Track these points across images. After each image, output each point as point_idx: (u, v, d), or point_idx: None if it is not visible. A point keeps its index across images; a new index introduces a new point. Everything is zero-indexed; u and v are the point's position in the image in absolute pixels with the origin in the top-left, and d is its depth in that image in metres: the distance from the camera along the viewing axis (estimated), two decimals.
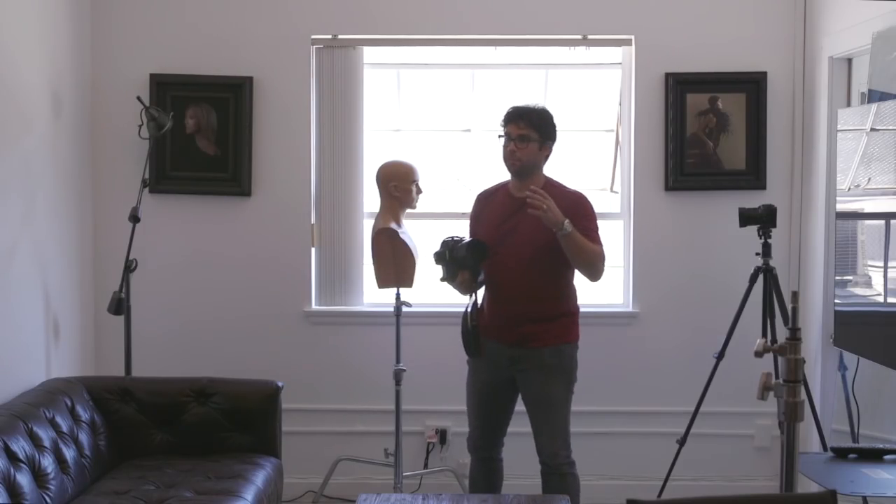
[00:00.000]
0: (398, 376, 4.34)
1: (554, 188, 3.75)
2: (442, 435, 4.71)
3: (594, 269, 3.72)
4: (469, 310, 3.79)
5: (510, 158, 3.73)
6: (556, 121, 3.82)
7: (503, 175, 3.89)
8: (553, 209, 3.54)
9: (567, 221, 3.56)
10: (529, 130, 3.71)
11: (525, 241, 3.67)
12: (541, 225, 3.57)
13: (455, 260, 3.73)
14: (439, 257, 3.79)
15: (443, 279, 3.82)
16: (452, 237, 3.79)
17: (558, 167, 4.85)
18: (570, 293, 3.82)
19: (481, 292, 3.85)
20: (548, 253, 3.64)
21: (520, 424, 3.85)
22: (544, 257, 3.67)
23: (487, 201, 3.88)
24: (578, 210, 3.71)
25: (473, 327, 3.77)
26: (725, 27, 4.62)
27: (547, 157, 3.80)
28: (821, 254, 4.33)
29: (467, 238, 3.80)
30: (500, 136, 3.77)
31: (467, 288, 3.79)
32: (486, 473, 3.90)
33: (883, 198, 3.59)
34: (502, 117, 3.78)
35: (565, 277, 3.78)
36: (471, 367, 3.88)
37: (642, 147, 4.67)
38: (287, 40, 4.64)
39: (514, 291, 3.71)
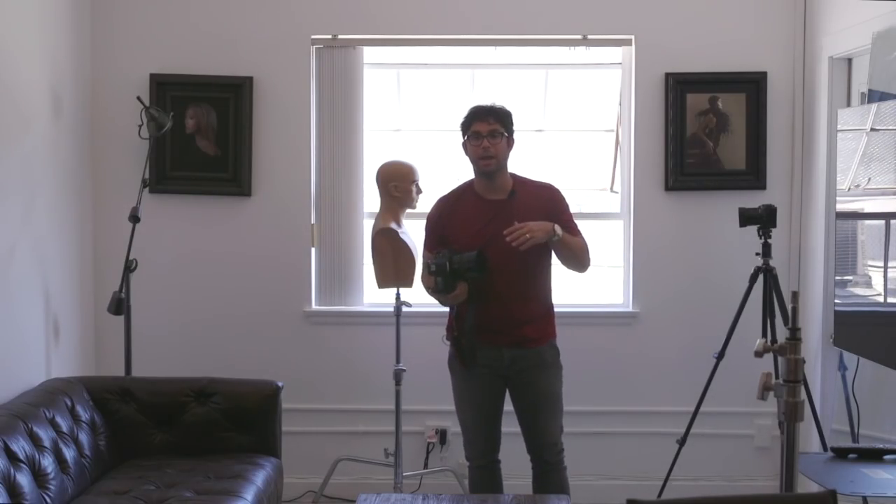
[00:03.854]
0: (398, 376, 4.34)
1: (524, 185, 3.76)
2: (442, 435, 4.71)
3: (582, 264, 3.77)
4: (466, 321, 3.67)
5: (484, 157, 3.65)
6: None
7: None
8: (537, 230, 3.52)
9: (556, 227, 3.57)
10: (498, 125, 3.66)
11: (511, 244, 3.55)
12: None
13: (458, 271, 3.57)
14: (440, 268, 3.60)
15: (440, 291, 3.63)
16: (448, 249, 3.62)
17: (558, 167, 4.87)
18: (551, 290, 3.83)
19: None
20: (534, 253, 3.63)
21: (516, 424, 3.84)
22: (531, 258, 3.64)
23: (454, 207, 3.78)
24: (556, 205, 3.73)
25: (471, 336, 3.67)
26: (725, 27, 4.62)
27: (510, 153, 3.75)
28: (821, 254, 4.33)
29: (444, 250, 3.64)
30: (465, 137, 3.70)
31: (459, 300, 3.66)
32: (490, 479, 3.85)
33: (883, 198, 3.59)
34: (464, 118, 3.72)
35: (549, 275, 3.80)
36: (461, 377, 3.79)
37: (642, 147, 4.67)
38: (287, 40, 4.64)
39: (509, 294, 3.66)
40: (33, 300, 4.01)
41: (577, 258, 3.73)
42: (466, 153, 3.74)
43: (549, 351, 3.77)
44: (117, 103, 4.57)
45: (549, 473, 3.79)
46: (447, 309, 4.78)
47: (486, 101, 3.74)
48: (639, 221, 4.69)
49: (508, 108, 3.76)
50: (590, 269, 3.81)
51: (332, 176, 4.69)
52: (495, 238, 3.59)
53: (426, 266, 3.73)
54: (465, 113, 3.74)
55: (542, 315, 3.77)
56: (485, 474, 3.84)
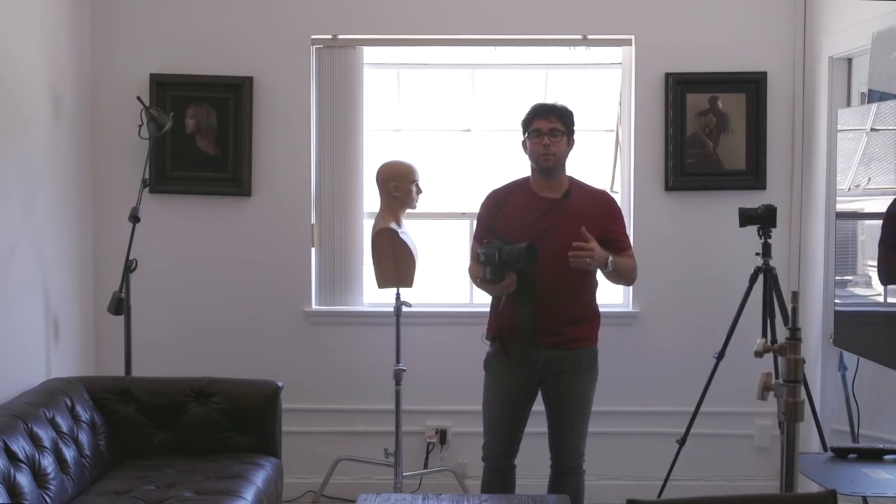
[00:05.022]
0: (398, 376, 4.34)
1: (580, 188, 3.76)
2: (442, 435, 4.71)
3: (630, 282, 3.95)
4: (522, 316, 3.61)
5: (544, 153, 3.64)
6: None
7: (504, 175, 3.89)
8: (596, 256, 3.53)
9: (610, 258, 3.57)
10: (559, 124, 3.67)
11: (563, 242, 3.54)
12: (576, 227, 3.53)
13: (507, 262, 3.55)
14: (488, 258, 3.58)
15: (487, 280, 3.61)
16: (499, 239, 3.60)
17: None
18: (595, 292, 3.82)
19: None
20: None
21: (535, 425, 3.84)
22: None
23: (505, 201, 3.75)
24: (610, 213, 3.73)
25: (528, 326, 3.62)
26: (725, 27, 4.63)
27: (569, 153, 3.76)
28: (821, 254, 4.33)
29: (498, 240, 3.62)
30: (526, 135, 3.70)
31: (508, 290, 3.61)
32: (504, 482, 3.81)
33: (883, 198, 3.59)
34: (526, 116, 3.72)
35: (595, 278, 3.77)
36: (496, 376, 3.76)
37: (642, 147, 4.67)
38: (287, 40, 4.64)
39: (555, 292, 3.62)
40: (33, 300, 4.01)
41: (625, 279, 3.85)
42: (526, 151, 3.73)
43: (587, 355, 3.75)
44: (117, 103, 4.57)
45: (566, 477, 3.78)
46: (447, 309, 4.83)
47: (548, 100, 3.77)
48: (639, 221, 4.69)
49: (571, 108, 3.75)
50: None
51: (332, 176, 4.69)
52: (547, 234, 3.59)
53: (475, 255, 3.71)
54: (526, 111, 3.73)
55: (587, 317, 3.75)
56: (498, 476, 3.82)
